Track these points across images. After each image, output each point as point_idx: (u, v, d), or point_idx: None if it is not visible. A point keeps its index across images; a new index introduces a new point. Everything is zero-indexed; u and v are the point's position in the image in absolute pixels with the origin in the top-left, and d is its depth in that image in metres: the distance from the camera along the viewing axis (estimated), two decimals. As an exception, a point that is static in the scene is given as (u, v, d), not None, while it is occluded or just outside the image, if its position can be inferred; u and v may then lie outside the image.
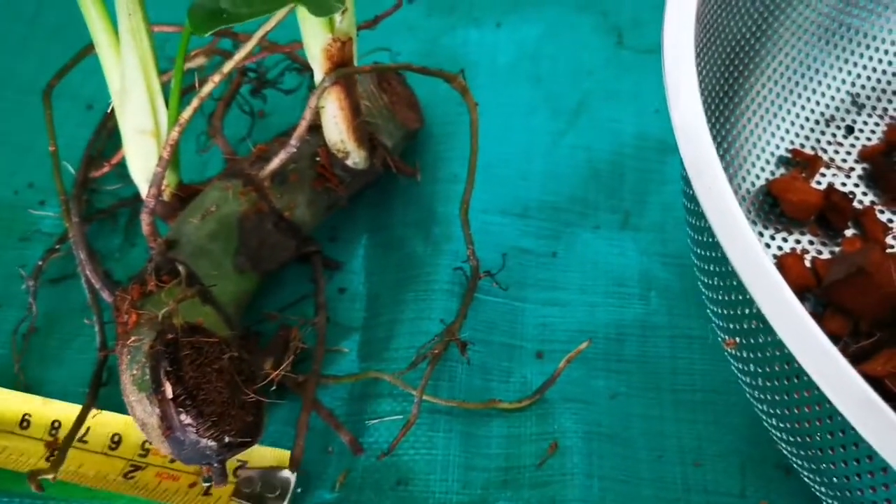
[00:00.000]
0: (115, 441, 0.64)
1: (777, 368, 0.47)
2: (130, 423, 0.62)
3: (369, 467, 0.65)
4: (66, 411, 0.65)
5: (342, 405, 0.67)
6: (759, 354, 0.49)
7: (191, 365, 0.56)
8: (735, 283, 0.49)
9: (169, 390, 0.54)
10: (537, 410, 0.67)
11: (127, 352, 0.58)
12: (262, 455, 0.63)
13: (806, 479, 0.55)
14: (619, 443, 0.65)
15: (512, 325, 0.72)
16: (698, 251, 0.56)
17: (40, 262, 0.73)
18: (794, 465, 0.55)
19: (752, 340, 0.50)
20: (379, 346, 0.70)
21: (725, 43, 0.68)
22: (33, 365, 0.70)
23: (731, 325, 0.53)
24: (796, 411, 0.48)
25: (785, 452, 0.56)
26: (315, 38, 0.62)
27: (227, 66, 0.61)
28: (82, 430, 0.63)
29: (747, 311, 0.49)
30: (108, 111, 0.78)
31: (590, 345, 0.67)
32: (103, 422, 0.64)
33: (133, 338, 0.58)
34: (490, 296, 0.72)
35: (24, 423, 0.65)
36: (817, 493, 0.55)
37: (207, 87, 0.61)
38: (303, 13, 0.61)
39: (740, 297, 0.49)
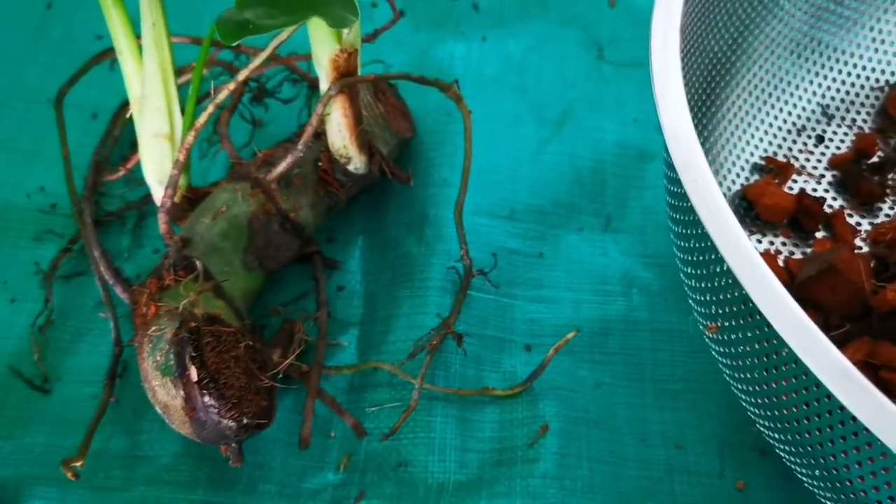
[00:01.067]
0: None
1: (757, 346, 0.52)
2: None
3: (370, 451, 0.68)
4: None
5: (343, 395, 0.71)
6: (741, 335, 0.53)
7: (212, 352, 0.60)
8: (719, 269, 0.54)
9: (194, 373, 0.58)
10: (528, 398, 0.71)
11: (148, 340, 0.62)
12: None
13: (782, 455, 0.59)
14: (604, 428, 0.70)
15: (502, 321, 0.76)
16: (681, 244, 0.60)
17: (55, 261, 0.77)
18: (771, 442, 0.60)
19: (733, 322, 0.54)
20: (377, 339, 0.74)
21: (704, 56, 0.72)
22: (49, 356, 0.73)
23: (713, 310, 0.57)
24: (774, 385, 0.52)
25: (762, 430, 0.60)
26: (324, 49, 0.66)
27: (243, 74, 0.65)
28: None
29: (729, 294, 0.53)
30: (113, 119, 0.82)
31: (577, 335, 0.71)
32: None
33: (153, 328, 0.62)
34: (481, 293, 0.76)
35: None
36: (793, 468, 0.59)
37: (223, 94, 0.65)
38: (314, 25, 0.65)
39: (723, 283, 0.54)
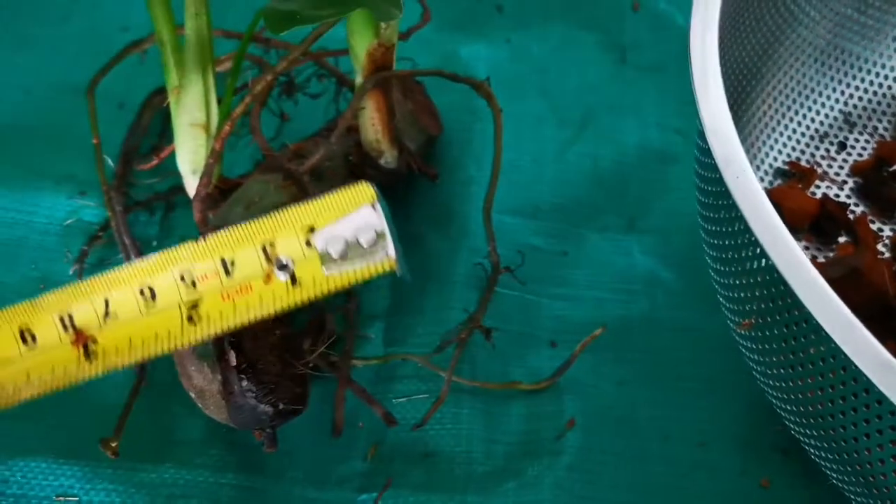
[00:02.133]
0: (150, 294, 0.53)
1: (794, 342, 0.52)
2: (151, 268, 0.53)
3: (397, 442, 0.69)
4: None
5: (369, 386, 0.71)
6: (777, 331, 0.54)
7: (249, 338, 0.61)
8: (756, 265, 0.55)
9: (233, 358, 0.59)
10: (553, 393, 0.72)
11: (183, 326, 0.63)
12: (335, 205, 0.55)
13: (811, 452, 0.60)
14: (628, 424, 0.71)
15: (527, 317, 0.77)
16: (714, 241, 0.61)
17: (85, 248, 0.77)
18: (800, 439, 0.61)
19: (769, 319, 0.55)
20: (403, 332, 0.75)
21: (732, 64, 0.73)
22: (78, 342, 0.73)
23: (747, 307, 0.58)
24: (810, 381, 0.53)
25: (791, 427, 0.61)
26: (362, 42, 0.67)
27: (282, 64, 0.66)
28: (101, 307, 0.53)
29: (767, 291, 0.54)
30: (142, 109, 0.82)
31: (604, 331, 0.72)
32: (122, 279, 0.53)
33: (189, 313, 0.63)
34: (506, 289, 0.77)
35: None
36: (822, 465, 0.60)
37: (261, 85, 0.66)
38: (354, 17, 0.66)
39: (760, 279, 0.55)
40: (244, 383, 0.59)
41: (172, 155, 0.73)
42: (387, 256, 0.55)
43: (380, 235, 0.55)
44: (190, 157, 0.71)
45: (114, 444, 0.63)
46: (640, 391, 0.73)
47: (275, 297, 0.53)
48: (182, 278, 0.53)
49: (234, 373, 0.59)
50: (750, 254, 0.55)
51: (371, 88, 0.69)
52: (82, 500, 0.65)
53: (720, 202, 0.58)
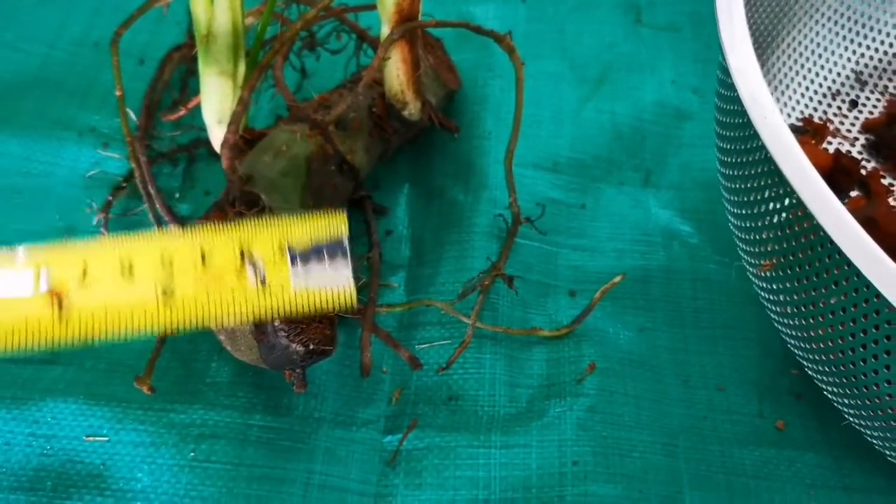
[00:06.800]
0: (129, 267, 0.53)
1: (816, 278, 0.54)
2: (133, 243, 0.54)
3: (421, 386, 0.71)
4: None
5: (393, 332, 0.73)
6: (800, 268, 0.55)
7: (281, 278, 0.62)
8: (780, 205, 0.56)
9: (265, 297, 0.60)
10: (573, 339, 0.73)
11: (213, 269, 0.64)
12: (310, 228, 0.55)
13: (829, 395, 0.62)
14: (648, 369, 0.72)
15: (546, 266, 0.78)
16: (736, 186, 0.62)
17: (110, 198, 0.78)
18: (818, 380, 0.62)
19: (791, 257, 0.56)
20: (425, 281, 0.76)
21: (749, 22, 0.74)
22: (105, 289, 0.75)
23: (768, 248, 0.59)
24: (831, 316, 0.54)
25: (810, 371, 0.62)
26: (389, -7, 0.69)
27: (311, 14, 0.67)
28: (80, 268, 0.52)
29: (792, 228, 0.55)
30: (163, 63, 0.84)
31: (623, 279, 0.73)
32: (104, 248, 0.54)
33: (219, 257, 0.64)
34: (526, 240, 0.78)
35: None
36: (841, 408, 0.61)
37: (290, 33, 0.67)
38: (383, -33, 0.67)
39: (781, 218, 0.56)
40: (276, 323, 0.60)
41: (194, 109, 0.74)
42: (349, 288, 0.54)
43: (343, 262, 0.55)
44: (216, 106, 0.72)
45: (148, 381, 0.64)
46: (660, 338, 0.74)
47: (247, 297, 0.54)
48: (161, 258, 0.53)
49: (267, 312, 0.60)
50: (773, 194, 0.56)
51: (397, 38, 0.70)
52: (112, 440, 0.66)
53: (743, 146, 0.59)
